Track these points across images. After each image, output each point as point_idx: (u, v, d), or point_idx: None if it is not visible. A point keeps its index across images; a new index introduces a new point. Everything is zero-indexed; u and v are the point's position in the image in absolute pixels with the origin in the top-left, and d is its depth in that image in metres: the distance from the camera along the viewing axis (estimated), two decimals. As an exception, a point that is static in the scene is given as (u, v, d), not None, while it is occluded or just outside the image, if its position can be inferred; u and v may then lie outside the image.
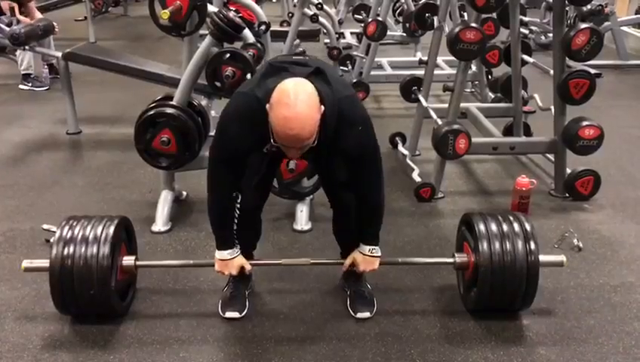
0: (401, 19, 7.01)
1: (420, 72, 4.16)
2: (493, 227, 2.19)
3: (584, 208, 3.26)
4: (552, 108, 3.35)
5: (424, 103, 3.79)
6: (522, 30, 3.86)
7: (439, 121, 3.35)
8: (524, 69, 3.79)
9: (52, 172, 3.78)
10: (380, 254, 2.21)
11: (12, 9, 5.05)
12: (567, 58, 3.15)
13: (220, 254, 2.17)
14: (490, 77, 4.87)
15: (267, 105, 1.81)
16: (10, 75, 5.87)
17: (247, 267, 2.22)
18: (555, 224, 3.08)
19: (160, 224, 3.03)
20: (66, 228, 2.19)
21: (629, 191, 3.49)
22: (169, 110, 2.91)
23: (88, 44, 6.01)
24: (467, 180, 3.69)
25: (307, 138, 1.79)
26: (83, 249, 2.12)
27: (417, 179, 3.47)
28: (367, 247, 2.19)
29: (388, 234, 2.97)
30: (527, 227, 2.20)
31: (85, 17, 8.42)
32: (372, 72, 5.30)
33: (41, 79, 5.69)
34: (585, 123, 3.16)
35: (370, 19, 5.15)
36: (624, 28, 6.69)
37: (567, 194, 3.36)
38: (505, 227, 2.19)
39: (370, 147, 2.03)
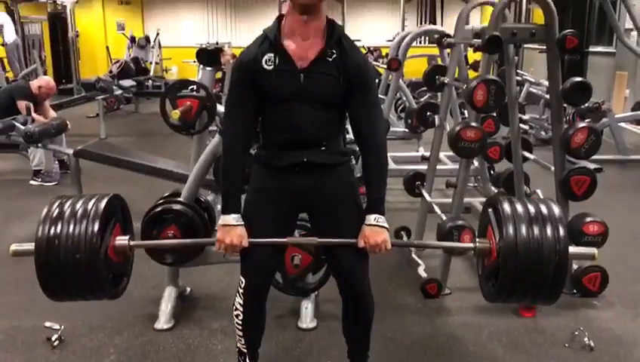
0: (403, 115, 7.22)
1: (423, 167, 4.24)
2: (520, 210, 1.94)
3: (593, 305, 3.22)
4: (555, 203, 3.38)
5: (428, 198, 3.83)
6: (522, 126, 3.96)
7: (443, 216, 3.38)
8: (526, 165, 3.86)
9: (57, 267, 3.76)
10: (387, 225, 2.07)
11: (28, 108, 5.24)
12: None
13: (224, 219, 2.06)
14: (492, 172, 4.94)
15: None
16: (21, 170, 5.99)
17: (245, 243, 2.06)
18: (564, 321, 3.02)
19: (163, 321, 2.99)
20: (55, 205, 2.02)
21: (639, 287, 3.44)
22: (176, 206, 2.95)
23: (99, 141, 6.19)
24: (474, 275, 3.65)
25: None
26: (71, 227, 1.94)
27: (423, 274, 3.44)
28: (372, 216, 2.06)
29: (394, 333, 2.92)
30: (557, 212, 1.95)
31: (97, 114, 8.70)
32: (376, 167, 5.38)
33: (51, 174, 5.81)
34: (588, 219, 3.18)
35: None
36: (622, 124, 6.84)
37: (575, 291, 3.32)
38: (532, 210, 1.94)
39: (372, 73, 2.12)
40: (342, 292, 2.20)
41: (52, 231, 1.94)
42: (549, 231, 1.87)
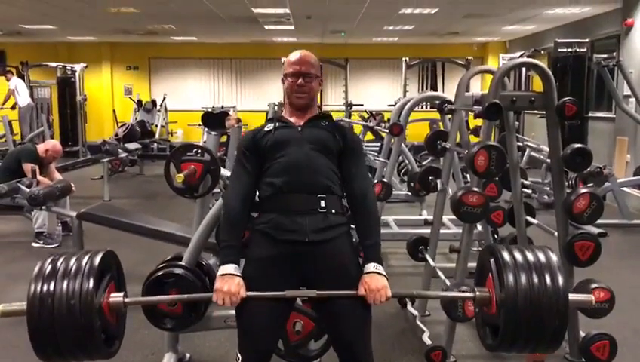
0: (405, 178, 7.26)
1: (427, 231, 4.23)
2: (519, 258, 1.94)
3: (603, 374, 3.13)
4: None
5: (431, 263, 3.80)
6: (525, 190, 3.97)
7: (447, 282, 3.34)
8: (529, 229, 3.84)
9: (55, 332, 3.71)
10: (385, 274, 2.09)
11: (34, 171, 5.29)
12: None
13: (222, 269, 2.07)
14: (496, 236, 4.92)
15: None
16: (23, 232, 5.99)
17: (243, 293, 2.03)
18: (573, 392, 2.94)
19: (161, 389, 2.92)
20: (47, 262, 1.96)
21: (648, 355, 3.37)
22: (177, 271, 2.93)
23: (102, 204, 6.22)
24: (479, 343, 3.55)
25: (312, 64, 2.26)
26: (65, 284, 1.87)
27: (428, 341, 3.38)
28: (371, 264, 2.09)
29: (398, 403, 2.84)
30: (554, 260, 1.95)
31: (102, 176, 8.77)
32: (379, 231, 5.37)
33: (54, 236, 5.80)
34: (594, 285, 3.13)
35: (375, 181, 5.34)
36: (625, 188, 6.86)
37: (583, 360, 3.24)
38: (531, 259, 1.94)
39: (362, 149, 2.39)
40: (341, 357, 2.16)
41: (45, 288, 1.87)
42: (548, 279, 1.88)
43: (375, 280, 2.06)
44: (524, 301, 1.86)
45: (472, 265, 3.82)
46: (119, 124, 12.03)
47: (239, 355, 2.12)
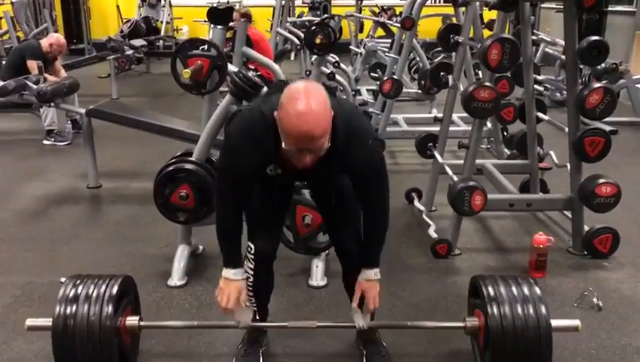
0: (416, 76, 7.14)
1: (436, 129, 4.21)
2: (503, 290, 2.13)
3: (603, 266, 3.22)
4: (568, 165, 3.36)
5: (440, 160, 3.81)
6: (537, 87, 3.90)
7: (455, 178, 3.37)
8: (540, 126, 3.82)
9: (71, 226, 3.83)
10: (380, 277, 2.16)
11: (40, 68, 5.23)
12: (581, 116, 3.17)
13: (225, 272, 2.10)
14: (505, 133, 4.90)
15: (275, 114, 1.76)
16: (34, 130, 6.02)
17: (243, 297, 2.12)
18: (573, 282, 3.03)
19: (176, 278, 3.04)
20: (69, 286, 2.16)
21: (650, 249, 3.44)
22: (188, 166, 2.97)
23: (111, 101, 6.19)
24: (484, 237, 3.67)
25: (320, 137, 1.71)
26: (86, 308, 2.08)
27: (434, 235, 3.46)
28: (373, 271, 2.13)
29: (403, 291, 2.95)
30: (537, 291, 2.13)
31: (109, 74, 8.67)
32: (388, 129, 5.37)
33: (64, 134, 5.84)
34: (601, 180, 3.16)
35: (385, 78, 5.25)
36: None
37: (585, 252, 3.32)
38: (515, 290, 2.13)
39: (379, 162, 2.04)
40: (343, 262, 2.29)
41: (68, 311, 2.07)
42: (531, 309, 2.06)
43: (374, 289, 2.14)
44: (511, 330, 2.04)
45: (480, 161, 3.85)
46: (124, 21, 11.74)
47: (251, 246, 2.20)
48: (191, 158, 3.01)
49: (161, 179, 2.99)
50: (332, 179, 2.12)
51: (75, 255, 3.40)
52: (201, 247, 3.36)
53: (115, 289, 2.13)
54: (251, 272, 2.21)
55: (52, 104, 4.91)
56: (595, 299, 2.80)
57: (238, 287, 2.10)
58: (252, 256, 2.20)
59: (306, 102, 1.68)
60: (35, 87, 4.88)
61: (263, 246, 2.21)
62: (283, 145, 1.76)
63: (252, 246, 2.20)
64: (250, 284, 2.22)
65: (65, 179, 4.76)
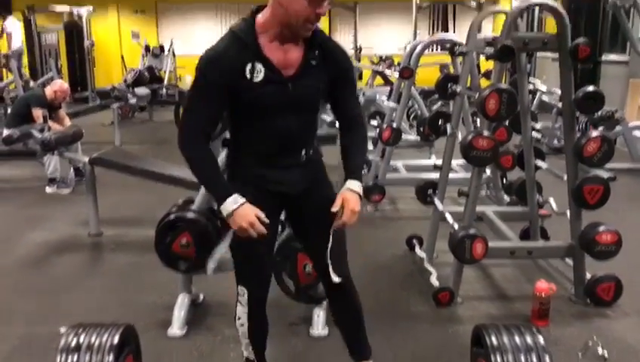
0: (415, 123, 7.22)
1: (435, 175, 4.24)
2: (506, 339, 2.10)
3: (607, 315, 3.19)
4: (568, 212, 3.37)
5: (440, 207, 3.83)
6: (535, 135, 3.95)
7: (455, 225, 3.38)
8: (539, 173, 3.85)
9: (72, 274, 3.82)
10: (361, 193, 2.10)
11: (44, 117, 5.31)
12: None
13: (227, 206, 1.92)
14: (504, 180, 4.93)
15: (258, 16, 1.90)
16: (36, 177, 6.06)
17: (261, 214, 1.95)
18: (577, 331, 3.01)
19: (176, 328, 3.02)
20: (70, 335, 2.13)
21: (653, 296, 3.42)
22: (189, 214, 2.99)
23: (114, 149, 6.25)
24: (486, 284, 3.65)
25: None
26: (87, 358, 2.05)
27: (435, 283, 3.44)
28: (356, 183, 2.07)
29: (406, 341, 2.92)
30: (541, 340, 2.10)
31: (112, 122, 8.78)
32: (388, 175, 5.40)
33: (67, 181, 5.87)
34: (602, 228, 3.16)
35: (385, 126, 5.32)
36: (636, 132, 6.79)
37: (588, 300, 3.30)
38: (518, 340, 2.10)
39: (350, 62, 2.14)
40: (325, 284, 2.24)
41: (69, 361, 2.04)
42: (535, 359, 2.03)
43: (355, 202, 2.04)
44: None
45: (480, 208, 3.87)
46: (127, 70, 11.94)
47: (243, 289, 2.15)
48: (192, 207, 3.03)
49: (162, 227, 3.00)
50: (314, 85, 2.00)
51: (75, 303, 3.38)
52: (201, 296, 3.35)
53: (116, 339, 2.11)
54: (245, 317, 2.17)
55: (56, 152, 4.97)
56: (600, 349, 2.77)
57: (247, 208, 1.94)
58: (246, 300, 2.14)
59: None
60: (39, 135, 4.95)
61: (256, 290, 2.16)
62: (295, 2, 1.80)
63: (245, 289, 2.15)
64: (246, 331, 2.19)
65: (66, 227, 4.77)
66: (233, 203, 1.93)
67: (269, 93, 1.92)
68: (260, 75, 1.90)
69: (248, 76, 1.89)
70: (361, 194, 2.08)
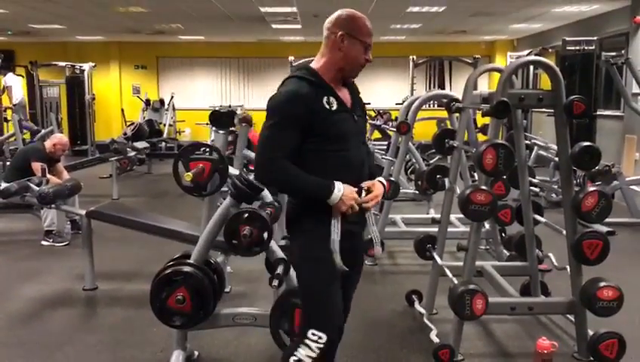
0: (413, 177, 7.25)
1: (434, 229, 4.22)
2: None
3: (611, 373, 3.12)
4: (568, 267, 3.34)
5: (439, 261, 3.80)
6: (532, 189, 3.96)
7: (455, 280, 3.34)
8: (538, 227, 3.84)
9: (65, 329, 3.74)
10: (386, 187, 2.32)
11: (43, 170, 5.33)
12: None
13: (333, 198, 2.07)
14: (504, 235, 4.92)
15: (318, 62, 2.18)
16: (32, 230, 6.03)
17: (355, 189, 2.14)
18: (581, 390, 2.93)
19: (170, 386, 2.94)
20: None
21: (657, 354, 3.35)
22: (186, 268, 2.94)
23: (111, 203, 6.25)
24: (487, 341, 3.58)
25: None
26: None
27: (435, 339, 3.38)
28: (383, 179, 2.28)
29: (406, 400, 2.84)
30: None
31: (110, 175, 8.80)
32: (386, 229, 5.38)
33: (63, 235, 5.83)
34: (602, 284, 3.13)
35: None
36: (633, 186, 6.82)
37: (591, 358, 3.23)
38: None
39: None
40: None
41: None
42: None
43: (380, 190, 2.20)
44: None
45: (480, 263, 3.83)
46: (127, 123, 12.06)
47: (319, 334, 2.10)
48: (189, 261, 3.00)
49: (158, 282, 2.95)
50: (362, 118, 2.32)
51: (68, 360, 3.30)
52: (196, 353, 3.27)
53: None
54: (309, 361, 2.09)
55: (53, 205, 4.95)
56: (604, 409, 2.70)
57: (347, 188, 2.10)
58: (320, 347, 2.08)
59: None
60: (37, 188, 4.95)
61: (335, 333, 2.13)
62: (349, 36, 2.12)
63: (322, 335, 2.09)
64: None
65: (61, 281, 4.71)
66: (338, 190, 2.09)
67: (344, 119, 2.16)
68: (334, 105, 2.13)
69: (327, 107, 2.11)
70: (385, 186, 2.27)
